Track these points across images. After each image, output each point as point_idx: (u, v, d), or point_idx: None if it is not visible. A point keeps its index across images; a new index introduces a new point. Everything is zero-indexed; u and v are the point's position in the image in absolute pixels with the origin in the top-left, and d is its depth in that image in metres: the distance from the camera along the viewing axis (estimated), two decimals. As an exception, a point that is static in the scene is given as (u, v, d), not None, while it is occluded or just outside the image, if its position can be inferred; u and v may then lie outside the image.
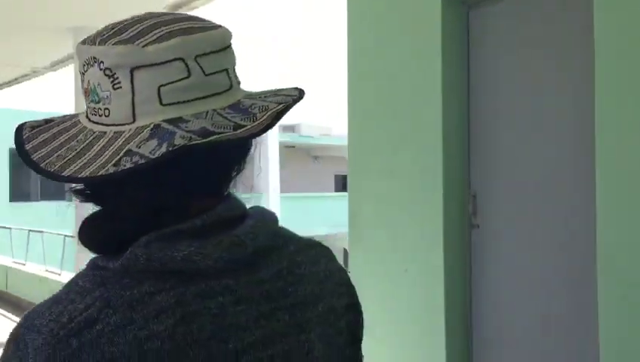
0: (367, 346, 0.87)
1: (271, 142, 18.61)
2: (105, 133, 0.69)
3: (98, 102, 0.70)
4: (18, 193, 15.03)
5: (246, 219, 0.74)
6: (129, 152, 0.66)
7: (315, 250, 0.83)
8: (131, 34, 0.69)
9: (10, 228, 11.85)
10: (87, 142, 0.69)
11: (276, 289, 0.74)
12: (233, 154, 0.76)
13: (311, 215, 19.71)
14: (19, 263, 10.99)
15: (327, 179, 23.35)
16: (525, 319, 2.94)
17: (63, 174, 0.67)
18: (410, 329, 3.32)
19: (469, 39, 3.21)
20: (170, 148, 0.64)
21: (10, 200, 14.09)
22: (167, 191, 0.71)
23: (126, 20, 0.72)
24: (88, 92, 0.71)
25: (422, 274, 3.26)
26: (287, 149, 20.16)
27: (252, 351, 0.70)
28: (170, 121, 0.67)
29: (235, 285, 0.71)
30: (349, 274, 0.89)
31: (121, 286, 0.66)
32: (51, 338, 0.63)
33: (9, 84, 11.85)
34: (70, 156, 0.68)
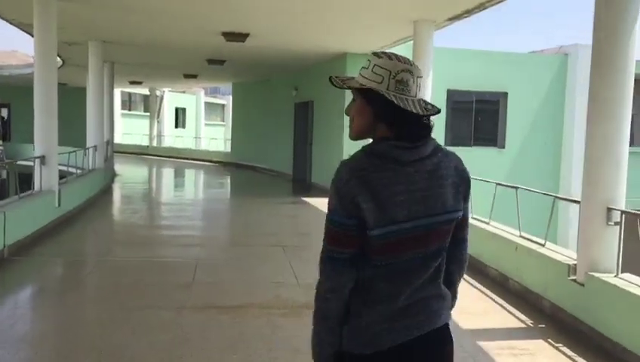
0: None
1: None
2: (407, 98, 1.77)
3: (406, 85, 1.78)
4: (455, 137, 15.12)
5: (428, 141, 1.83)
6: (424, 106, 1.79)
7: (452, 156, 1.89)
8: (414, 65, 1.81)
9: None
10: (404, 98, 1.77)
11: (432, 170, 1.81)
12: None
13: None
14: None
15: None
16: None
17: (408, 109, 1.76)
18: None
19: None
20: (437, 109, 1.81)
21: (445, 144, 13.50)
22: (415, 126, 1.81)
23: (408, 61, 1.81)
24: (401, 81, 1.78)
25: None
26: None
27: (422, 192, 1.78)
28: (424, 100, 1.82)
29: (416, 166, 1.79)
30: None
31: (374, 158, 1.78)
32: (349, 169, 1.77)
33: (469, 13, 9.84)
34: (402, 103, 1.76)
